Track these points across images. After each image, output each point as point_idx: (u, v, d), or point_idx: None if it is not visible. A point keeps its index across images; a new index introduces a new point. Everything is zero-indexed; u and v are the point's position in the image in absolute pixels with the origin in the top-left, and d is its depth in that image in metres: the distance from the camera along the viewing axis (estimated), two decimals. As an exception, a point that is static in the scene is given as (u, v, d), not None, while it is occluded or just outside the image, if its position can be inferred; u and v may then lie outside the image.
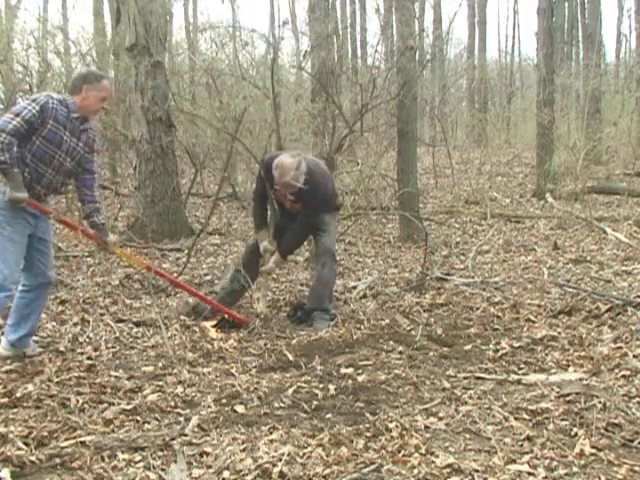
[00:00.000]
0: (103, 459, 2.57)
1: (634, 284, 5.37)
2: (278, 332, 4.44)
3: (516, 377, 3.46)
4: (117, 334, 4.35)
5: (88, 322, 4.63)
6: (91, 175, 3.92)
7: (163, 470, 2.49)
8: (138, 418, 2.98)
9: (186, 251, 7.18)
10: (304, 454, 2.56)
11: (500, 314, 4.74)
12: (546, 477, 2.39)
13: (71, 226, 4.10)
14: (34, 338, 4.03)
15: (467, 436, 2.75)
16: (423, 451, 2.58)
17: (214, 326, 4.51)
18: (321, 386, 3.38)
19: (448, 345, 4.09)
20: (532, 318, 4.60)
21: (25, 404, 3.14)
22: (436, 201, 10.99)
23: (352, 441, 2.68)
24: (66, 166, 3.72)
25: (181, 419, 2.98)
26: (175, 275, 6.07)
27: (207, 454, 2.60)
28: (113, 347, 4.09)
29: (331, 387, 3.35)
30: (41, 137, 3.56)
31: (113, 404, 3.14)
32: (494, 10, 61.76)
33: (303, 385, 3.39)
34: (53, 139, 3.60)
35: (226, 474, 2.43)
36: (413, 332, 4.35)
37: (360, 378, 3.47)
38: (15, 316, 3.84)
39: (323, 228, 4.76)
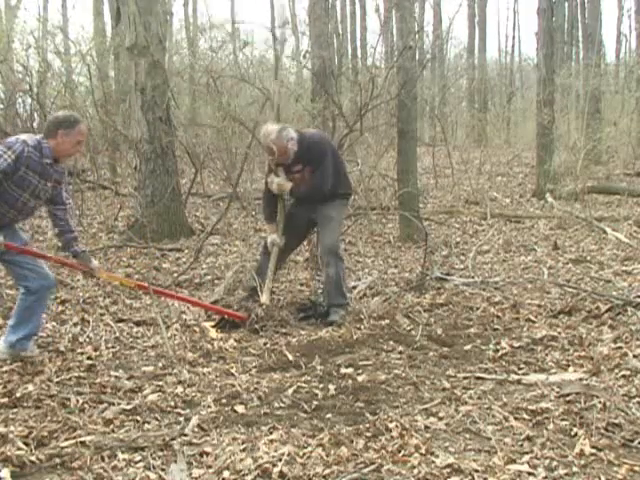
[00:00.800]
0: (103, 459, 2.57)
1: (634, 284, 5.37)
2: (279, 322, 4.48)
3: (516, 377, 3.46)
4: (117, 334, 4.35)
5: (88, 322, 4.63)
6: (63, 206, 3.90)
7: (163, 470, 2.49)
8: (138, 418, 2.98)
9: (186, 251, 7.20)
10: (304, 454, 2.56)
11: (500, 314, 4.74)
12: (546, 477, 2.39)
13: (43, 256, 3.99)
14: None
15: (467, 436, 2.76)
16: (423, 451, 2.58)
17: (214, 326, 4.51)
18: (321, 386, 3.38)
19: (448, 345, 4.08)
20: (532, 318, 4.60)
21: (25, 404, 3.14)
22: (436, 201, 10.99)
23: (352, 441, 2.68)
24: (29, 206, 3.74)
25: (181, 419, 2.98)
26: (176, 275, 6.08)
27: (207, 454, 2.60)
28: (113, 347, 4.10)
29: (331, 387, 3.35)
30: (10, 181, 3.58)
31: (113, 404, 3.14)
32: (494, 10, 61.86)
33: (303, 385, 3.39)
34: (21, 184, 3.61)
35: (226, 474, 2.43)
36: (413, 332, 4.35)
37: (360, 378, 3.47)
38: (15, 317, 3.85)
39: (325, 223, 4.77)
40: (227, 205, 7.26)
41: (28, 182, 3.63)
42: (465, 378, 3.47)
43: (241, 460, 2.51)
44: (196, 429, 2.85)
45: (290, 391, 3.30)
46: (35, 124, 11.90)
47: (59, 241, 4.01)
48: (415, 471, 2.44)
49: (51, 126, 3.70)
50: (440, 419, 2.93)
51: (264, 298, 4.69)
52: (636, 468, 2.45)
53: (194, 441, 2.73)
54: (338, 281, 4.76)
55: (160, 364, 3.76)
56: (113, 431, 2.84)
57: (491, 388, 3.32)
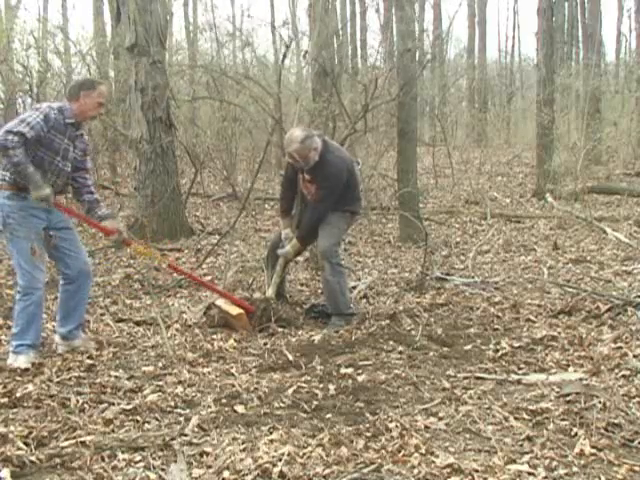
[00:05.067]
0: (103, 459, 2.57)
1: (634, 284, 5.37)
2: (282, 317, 4.48)
3: (516, 377, 3.46)
4: (117, 334, 4.35)
5: (88, 322, 4.63)
6: (87, 172, 4.07)
7: (163, 470, 2.49)
8: (138, 418, 2.98)
9: (186, 251, 7.20)
10: (304, 454, 2.56)
11: (500, 314, 4.74)
12: (546, 477, 2.39)
13: (78, 216, 4.23)
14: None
15: (467, 436, 2.75)
16: (423, 451, 2.58)
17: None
18: (321, 386, 3.38)
19: (448, 345, 4.08)
20: (532, 318, 4.60)
21: (25, 404, 3.14)
22: (436, 201, 10.99)
23: (352, 441, 2.68)
24: (65, 170, 3.86)
25: (181, 419, 2.97)
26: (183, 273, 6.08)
27: (207, 454, 2.60)
28: (113, 347, 4.09)
29: (331, 387, 3.35)
30: (40, 144, 3.69)
31: (113, 404, 3.14)
32: (494, 10, 61.87)
33: (303, 385, 3.39)
34: (51, 146, 3.74)
35: (226, 474, 2.43)
36: (413, 332, 4.35)
37: (360, 378, 3.47)
38: (62, 310, 4.01)
39: (322, 227, 4.69)
40: (240, 212, 7.22)
41: (58, 145, 3.76)
42: (465, 378, 3.47)
43: (241, 460, 2.51)
44: (196, 429, 2.85)
45: (290, 391, 3.30)
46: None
47: (82, 205, 4.13)
48: (415, 471, 2.43)
49: (73, 89, 3.88)
50: (440, 419, 2.92)
51: (270, 292, 4.70)
52: (636, 468, 2.45)
53: (194, 441, 2.73)
54: (336, 286, 4.65)
55: (160, 364, 3.75)
56: (113, 431, 2.84)
57: (491, 388, 3.32)
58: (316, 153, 4.52)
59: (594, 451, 2.56)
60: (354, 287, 5.55)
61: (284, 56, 7.70)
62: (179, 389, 3.34)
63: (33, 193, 3.63)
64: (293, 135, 4.52)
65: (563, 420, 2.86)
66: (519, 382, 3.40)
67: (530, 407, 3.00)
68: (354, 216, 4.99)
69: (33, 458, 2.57)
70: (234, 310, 4.43)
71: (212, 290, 4.85)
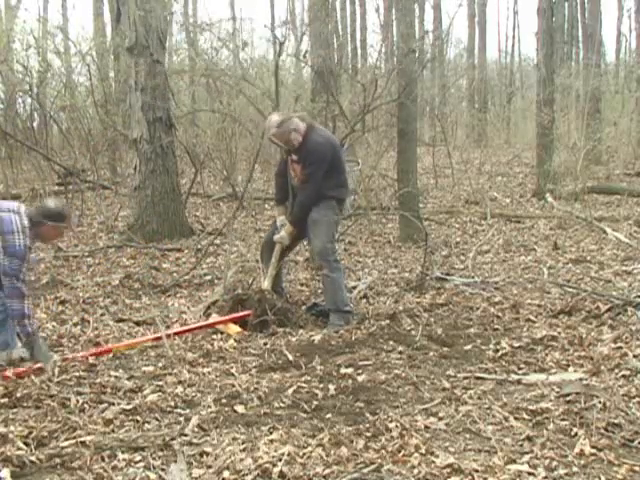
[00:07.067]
0: (103, 459, 2.57)
1: (634, 284, 5.37)
2: (279, 311, 4.48)
3: (516, 377, 3.46)
4: (117, 334, 4.35)
5: (88, 322, 4.63)
6: None
7: (163, 470, 2.49)
8: (138, 418, 2.98)
9: (186, 251, 7.20)
10: (304, 454, 2.56)
11: (500, 314, 4.74)
12: (546, 477, 2.39)
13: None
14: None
15: (467, 436, 2.75)
16: (423, 451, 2.58)
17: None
18: (321, 386, 3.37)
19: (448, 345, 4.08)
20: (532, 318, 4.60)
21: (25, 404, 3.14)
22: (436, 201, 10.99)
23: (352, 441, 2.68)
24: None
25: (181, 419, 2.97)
26: (181, 275, 6.07)
27: (207, 454, 2.60)
28: (113, 347, 4.09)
29: (331, 387, 3.35)
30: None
31: (113, 404, 3.14)
32: (494, 10, 61.78)
33: (303, 385, 3.39)
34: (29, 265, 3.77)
35: (226, 474, 2.43)
36: (413, 332, 4.35)
37: (360, 378, 3.46)
38: None
39: (311, 227, 4.68)
40: (236, 207, 7.22)
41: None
42: (465, 378, 3.47)
43: (241, 460, 2.51)
44: (196, 429, 2.85)
45: (290, 391, 3.30)
46: (35, 124, 11.92)
47: None
48: (415, 471, 2.44)
49: (44, 214, 3.76)
50: (440, 419, 2.92)
51: (265, 285, 4.69)
52: (636, 468, 2.45)
53: (194, 441, 2.73)
54: (334, 284, 4.66)
55: (160, 364, 3.75)
56: (113, 431, 2.84)
57: (491, 388, 3.32)
58: (297, 134, 4.58)
59: (594, 451, 2.56)
60: (354, 287, 5.55)
61: (279, 53, 7.70)
62: (179, 389, 3.34)
63: (45, 365, 3.61)
64: (271, 121, 4.66)
65: (563, 420, 2.86)
66: (519, 382, 3.40)
67: (530, 407, 3.00)
68: (340, 204, 4.91)
69: (33, 458, 2.57)
70: (232, 330, 4.41)
71: (203, 327, 4.53)
